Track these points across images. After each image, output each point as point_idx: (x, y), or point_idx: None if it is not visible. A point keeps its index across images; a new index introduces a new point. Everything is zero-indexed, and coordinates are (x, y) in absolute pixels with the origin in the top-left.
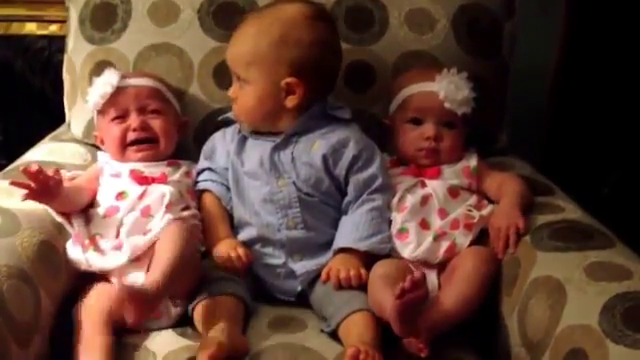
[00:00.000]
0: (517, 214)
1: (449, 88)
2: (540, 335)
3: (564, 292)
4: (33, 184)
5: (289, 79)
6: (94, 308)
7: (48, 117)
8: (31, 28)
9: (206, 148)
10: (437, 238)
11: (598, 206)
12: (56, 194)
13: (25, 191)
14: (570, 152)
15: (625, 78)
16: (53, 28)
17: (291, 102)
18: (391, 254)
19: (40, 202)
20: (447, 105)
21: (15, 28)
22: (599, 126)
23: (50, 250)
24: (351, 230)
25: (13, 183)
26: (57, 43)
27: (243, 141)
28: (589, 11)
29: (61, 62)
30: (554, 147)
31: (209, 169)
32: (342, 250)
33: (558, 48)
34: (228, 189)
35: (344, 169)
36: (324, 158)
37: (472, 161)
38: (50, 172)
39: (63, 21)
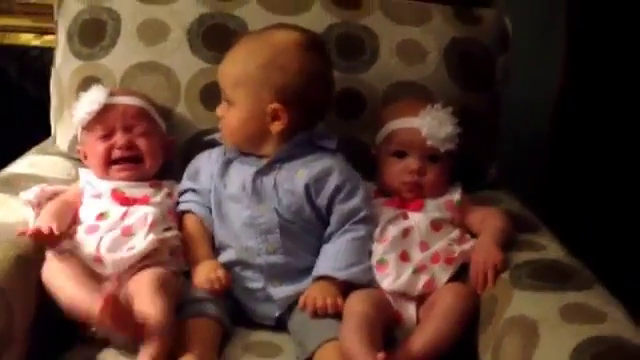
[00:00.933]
0: (496, 250)
1: (432, 125)
2: None
3: (537, 332)
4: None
5: (274, 105)
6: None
7: (42, 126)
8: (27, 38)
9: (190, 168)
10: (416, 271)
11: (586, 245)
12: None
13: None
14: (571, 183)
15: (628, 110)
16: (48, 38)
17: (276, 128)
18: (370, 284)
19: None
20: (429, 142)
21: (11, 38)
22: (601, 158)
23: (27, 264)
24: (331, 258)
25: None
26: (51, 53)
27: (228, 164)
28: (589, 39)
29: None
30: (554, 178)
31: (192, 190)
32: (321, 277)
33: (558, 79)
34: (210, 211)
35: (326, 199)
36: (306, 187)
37: (456, 195)
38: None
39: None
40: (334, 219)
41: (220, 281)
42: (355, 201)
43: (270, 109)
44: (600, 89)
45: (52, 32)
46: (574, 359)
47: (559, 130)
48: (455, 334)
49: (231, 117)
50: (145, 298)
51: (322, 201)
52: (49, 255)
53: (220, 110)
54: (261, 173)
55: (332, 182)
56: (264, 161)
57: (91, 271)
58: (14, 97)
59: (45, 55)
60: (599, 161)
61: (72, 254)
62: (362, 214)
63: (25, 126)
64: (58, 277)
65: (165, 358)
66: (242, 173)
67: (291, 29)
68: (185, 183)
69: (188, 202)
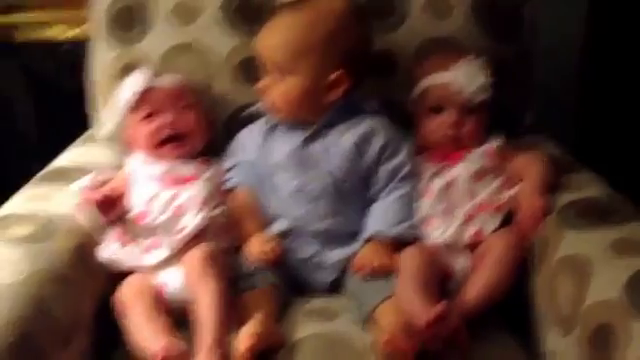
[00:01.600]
0: (540, 195)
1: (464, 77)
2: (568, 312)
3: (590, 268)
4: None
5: (339, 72)
6: (143, 292)
7: (80, 120)
8: (57, 31)
9: (233, 146)
10: (464, 222)
11: (625, 184)
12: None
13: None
14: (602, 127)
15: None
16: (80, 30)
17: (334, 95)
18: (419, 239)
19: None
20: (463, 95)
21: (40, 32)
22: (628, 105)
23: (87, 251)
24: (381, 216)
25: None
26: (85, 45)
27: (271, 134)
28: None
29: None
30: (585, 122)
31: (238, 165)
32: (372, 237)
33: (584, 23)
34: (258, 183)
35: (373, 158)
36: (354, 147)
37: (496, 143)
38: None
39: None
40: (381, 177)
41: (274, 252)
42: (399, 158)
43: (335, 76)
44: (625, 33)
45: (82, 23)
46: (628, 291)
47: (587, 76)
48: (508, 281)
49: (289, 88)
50: (197, 279)
51: (369, 160)
52: (127, 280)
53: (267, 83)
54: (309, 140)
55: (378, 142)
56: (308, 128)
57: (161, 304)
58: (49, 93)
59: (78, 48)
60: (627, 104)
61: (145, 281)
62: (406, 169)
63: (63, 122)
64: (130, 307)
65: (225, 338)
66: (289, 141)
67: None
68: (230, 160)
69: (235, 177)
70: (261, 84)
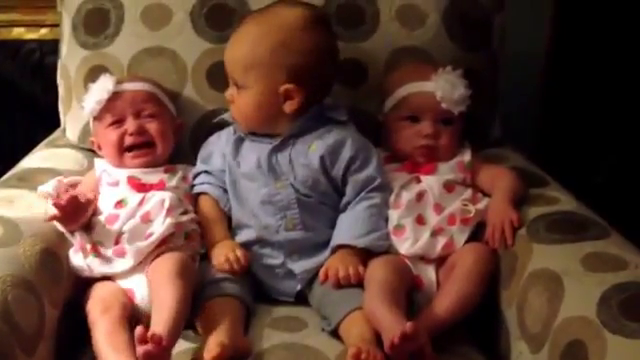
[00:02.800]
0: (510, 208)
1: (445, 88)
2: (539, 327)
3: (561, 284)
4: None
5: (288, 85)
6: (110, 306)
7: (39, 121)
8: (20, 32)
9: (202, 152)
10: (434, 234)
11: (592, 194)
12: (82, 218)
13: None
14: (563, 139)
15: (619, 63)
16: (43, 32)
17: (289, 107)
18: (389, 251)
19: (63, 224)
20: (444, 105)
21: (4, 33)
22: (592, 112)
23: (52, 257)
24: (349, 227)
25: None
26: (47, 46)
27: (239, 143)
28: None
29: (52, 65)
30: (547, 135)
31: (205, 172)
32: (340, 247)
33: (548, 33)
34: (225, 191)
35: (341, 169)
36: (321, 159)
37: (466, 156)
38: (82, 199)
39: (53, 25)
40: (349, 189)
41: (239, 261)
42: (369, 170)
43: (283, 90)
44: (589, 40)
45: (46, 25)
46: (601, 307)
47: (550, 85)
48: (477, 295)
49: (243, 101)
50: (163, 286)
51: (337, 172)
52: (95, 290)
53: (230, 95)
54: (276, 150)
55: (346, 153)
56: (277, 138)
57: (126, 317)
58: (8, 94)
59: (40, 49)
60: (591, 112)
61: (113, 289)
62: (377, 182)
63: (21, 123)
64: (96, 323)
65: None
66: (256, 151)
67: (294, 5)
68: (199, 166)
69: (202, 184)
70: (227, 95)
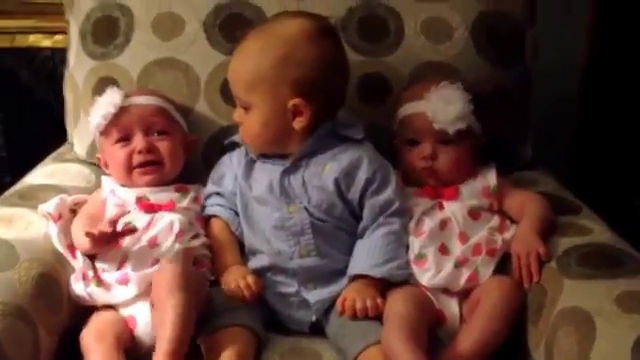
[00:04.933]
0: (537, 239)
1: (437, 106)
2: None
3: (593, 325)
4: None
5: (295, 100)
6: (105, 335)
7: (53, 130)
8: (36, 39)
9: (214, 173)
10: (458, 265)
11: (630, 218)
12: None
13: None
14: (599, 161)
15: None
16: (58, 38)
17: (299, 124)
18: (408, 280)
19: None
20: (437, 126)
21: (19, 40)
22: (629, 133)
23: (50, 283)
24: (367, 255)
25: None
26: (61, 54)
27: (251, 165)
28: (615, 11)
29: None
30: (582, 155)
31: (217, 194)
32: (357, 276)
33: (584, 49)
34: (237, 214)
35: (358, 192)
36: (336, 182)
37: (491, 180)
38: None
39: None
40: (367, 213)
41: (250, 288)
42: (387, 193)
43: (291, 105)
44: (627, 57)
45: (63, 32)
46: (636, 354)
47: (586, 101)
48: (503, 332)
49: (251, 122)
50: (162, 301)
51: (353, 195)
52: (92, 319)
53: (237, 116)
54: (288, 172)
55: (362, 174)
56: (289, 159)
57: (121, 345)
58: (24, 101)
59: (56, 56)
60: (628, 132)
61: (110, 318)
62: (395, 206)
63: (36, 131)
64: (89, 351)
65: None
66: (267, 174)
67: (298, 17)
68: (210, 187)
69: (214, 206)
70: (235, 116)
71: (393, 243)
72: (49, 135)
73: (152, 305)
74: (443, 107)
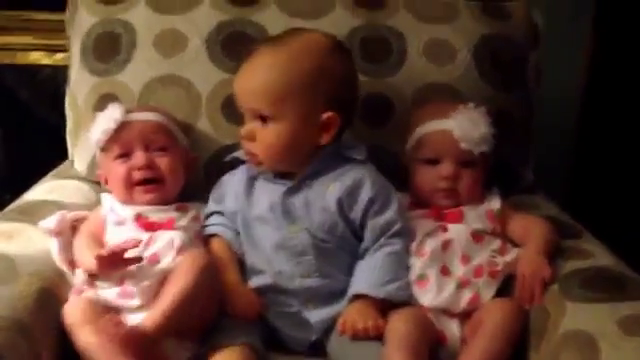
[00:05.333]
0: (542, 262)
1: (464, 126)
2: None
3: (597, 348)
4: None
5: (329, 114)
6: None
7: (53, 148)
8: (37, 57)
9: (215, 192)
10: (460, 286)
11: (628, 248)
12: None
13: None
14: (597, 188)
15: None
16: (59, 57)
17: (326, 138)
18: (409, 301)
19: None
20: (463, 145)
21: (20, 57)
22: (628, 160)
23: (50, 298)
24: (368, 275)
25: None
26: (63, 72)
27: (251, 183)
28: (615, 36)
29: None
30: (580, 183)
31: (218, 213)
32: (358, 296)
33: (583, 77)
34: (238, 234)
35: (360, 212)
36: (339, 202)
37: (495, 204)
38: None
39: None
40: (368, 233)
41: (253, 307)
42: (389, 214)
43: (325, 119)
44: (625, 84)
45: (63, 50)
46: None
47: (585, 130)
48: (505, 353)
49: (273, 135)
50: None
51: (356, 215)
52: (71, 299)
53: (249, 131)
54: (290, 192)
55: (365, 195)
56: (290, 179)
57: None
58: (25, 119)
59: (57, 74)
60: (627, 161)
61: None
62: (397, 227)
63: (36, 148)
64: (81, 328)
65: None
66: (269, 193)
67: (311, 32)
68: (211, 206)
69: (214, 225)
70: (243, 132)
71: (395, 264)
72: (49, 153)
73: None
74: (471, 127)
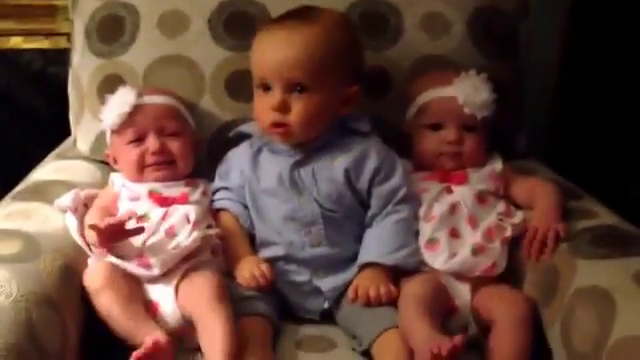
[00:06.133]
0: (557, 218)
1: (468, 92)
2: (589, 347)
3: (613, 301)
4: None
5: (355, 87)
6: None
7: (37, 134)
8: (17, 42)
9: (221, 168)
10: (476, 252)
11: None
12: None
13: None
14: (580, 154)
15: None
16: (40, 41)
17: (346, 110)
18: (419, 268)
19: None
20: (467, 110)
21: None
22: (605, 130)
23: (72, 273)
24: (376, 244)
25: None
26: (48, 56)
27: (256, 158)
28: (593, 7)
29: (51, 76)
30: (563, 148)
31: (224, 188)
32: (367, 265)
33: (560, 45)
34: (245, 207)
35: (366, 182)
36: (346, 172)
37: (497, 165)
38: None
39: (52, 34)
40: (375, 201)
41: (265, 276)
42: (394, 180)
43: (352, 91)
44: (603, 57)
45: (41, 34)
46: None
47: (565, 97)
48: (530, 343)
49: (312, 104)
50: (205, 315)
51: (362, 185)
52: (91, 264)
53: (286, 101)
54: (298, 164)
55: (370, 164)
56: (298, 151)
57: (134, 286)
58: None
59: (38, 59)
60: (604, 130)
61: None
62: (402, 193)
63: (18, 136)
64: (103, 294)
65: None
66: (276, 165)
67: (327, 9)
68: (217, 182)
69: (222, 200)
70: (276, 103)
71: (403, 230)
72: (33, 140)
73: (187, 314)
74: (473, 93)
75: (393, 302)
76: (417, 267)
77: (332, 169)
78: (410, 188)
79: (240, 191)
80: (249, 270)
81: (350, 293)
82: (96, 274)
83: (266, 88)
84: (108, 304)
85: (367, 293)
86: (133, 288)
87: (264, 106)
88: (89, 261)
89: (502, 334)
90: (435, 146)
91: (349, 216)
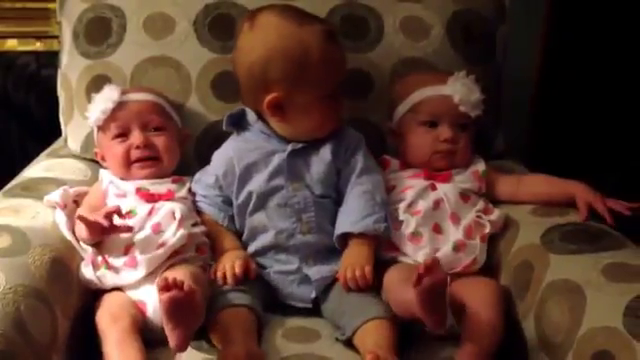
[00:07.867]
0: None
1: (463, 91)
2: (560, 338)
3: (583, 294)
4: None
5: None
6: (120, 316)
7: (32, 134)
8: (12, 44)
9: (213, 165)
10: (457, 249)
11: None
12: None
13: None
14: (557, 155)
15: (611, 75)
16: (36, 44)
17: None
18: (389, 235)
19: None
20: (462, 108)
21: None
22: (584, 129)
23: (61, 267)
24: (343, 216)
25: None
26: (42, 59)
27: (249, 146)
28: (570, 11)
29: (45, 78)
30: (541, 149)
31: (210, 187)
32: (344, 243)
33: (539, 50)
34: (220, 210)
35: (341, 161)
36: (332, 151)
37: (480, 165)
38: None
39: (45, 36)
40: (343, 183)
41: (240, 268)
42: (356, 157)
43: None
44: (581, 61)
45: (35, 36)
46: (628, 318)
47: (542, 101)
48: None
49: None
50: None
51: (340, 165)
52: (105, 300)
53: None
54: (294, 153)
55: (346, 142)
56: (285, 141)
57: (137, 325)
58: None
59: (33, 62)
60: (584, 132)
61: (124, 298)
62: (360, 165)
63: (14, 136)
64: (106, 333)
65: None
66: (271, 154)
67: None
68: (193, 185)
69: (200, 202)
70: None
71: (367, 201)
72: (28, 139)
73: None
74: (467, 92)
75: (377, 292)
76: (387, 234)
77: (322, 158)
78: (371, 161)
79: (229, 185)
80: (222, 268)
81: (340, 278)
82: (104, 313)
83: None
84: (110, 345)
85: (353, 275)
86: (135, 324)
87: None
88: (82, 265)
89: (473, 313)
90: (430, 144)
91: (337, 202)
